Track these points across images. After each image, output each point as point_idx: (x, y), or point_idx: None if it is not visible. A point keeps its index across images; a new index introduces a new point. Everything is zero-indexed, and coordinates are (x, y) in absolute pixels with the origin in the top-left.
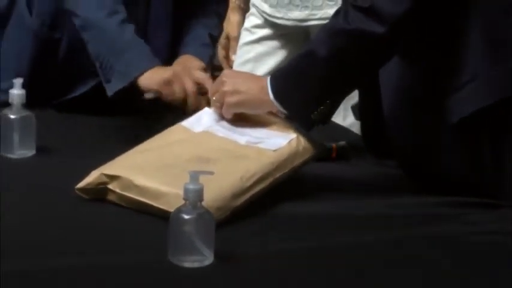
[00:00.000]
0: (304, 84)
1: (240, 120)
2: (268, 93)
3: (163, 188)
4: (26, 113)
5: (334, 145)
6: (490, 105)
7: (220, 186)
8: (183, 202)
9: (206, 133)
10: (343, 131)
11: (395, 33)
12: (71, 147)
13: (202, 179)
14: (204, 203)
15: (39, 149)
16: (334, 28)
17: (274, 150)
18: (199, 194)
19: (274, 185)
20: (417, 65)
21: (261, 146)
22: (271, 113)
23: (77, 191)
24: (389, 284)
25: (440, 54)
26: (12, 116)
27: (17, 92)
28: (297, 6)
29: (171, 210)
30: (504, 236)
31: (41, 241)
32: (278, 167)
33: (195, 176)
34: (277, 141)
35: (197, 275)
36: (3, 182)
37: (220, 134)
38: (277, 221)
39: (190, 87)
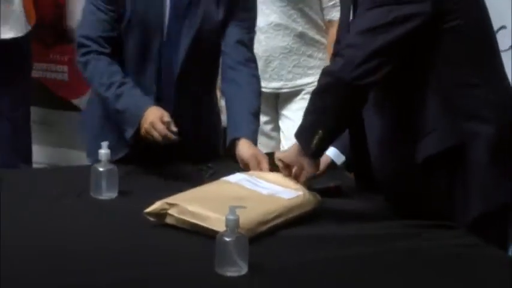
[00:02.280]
0: (304, 118)
1: (268, 181)
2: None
3: (209, 213)
4: (111, 166)
5: (332, 184)
6: (445, 150)
7: (250, 217)
8: (222, 223)
9: (238, 184)
10: (339, 173)
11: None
12: (145, 191)
13: (238, 211)
14: (239, 229)
15: (121, 192)
16: (324, 69)
17: (288, 199)
18: (236, 222)
19: (285, 224)
20: (393, 122)
21: (278, 195)
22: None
23: (144, 214)
24: (383, 285)
25: (409, 114)
26: (100, 169)
27: (104, 151)
28: (274, 78)
29: (215, 228)
30: (458, 248)
31: (113, 257)
32: (289, 210)
33: (233, 209)
34: (290, 194)
35: (236, 282)
36: (93, 216)
37: (248, 187)
38: (293, 240)
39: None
